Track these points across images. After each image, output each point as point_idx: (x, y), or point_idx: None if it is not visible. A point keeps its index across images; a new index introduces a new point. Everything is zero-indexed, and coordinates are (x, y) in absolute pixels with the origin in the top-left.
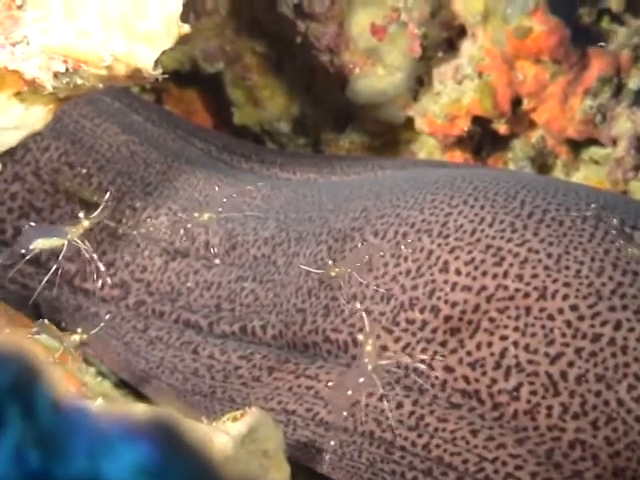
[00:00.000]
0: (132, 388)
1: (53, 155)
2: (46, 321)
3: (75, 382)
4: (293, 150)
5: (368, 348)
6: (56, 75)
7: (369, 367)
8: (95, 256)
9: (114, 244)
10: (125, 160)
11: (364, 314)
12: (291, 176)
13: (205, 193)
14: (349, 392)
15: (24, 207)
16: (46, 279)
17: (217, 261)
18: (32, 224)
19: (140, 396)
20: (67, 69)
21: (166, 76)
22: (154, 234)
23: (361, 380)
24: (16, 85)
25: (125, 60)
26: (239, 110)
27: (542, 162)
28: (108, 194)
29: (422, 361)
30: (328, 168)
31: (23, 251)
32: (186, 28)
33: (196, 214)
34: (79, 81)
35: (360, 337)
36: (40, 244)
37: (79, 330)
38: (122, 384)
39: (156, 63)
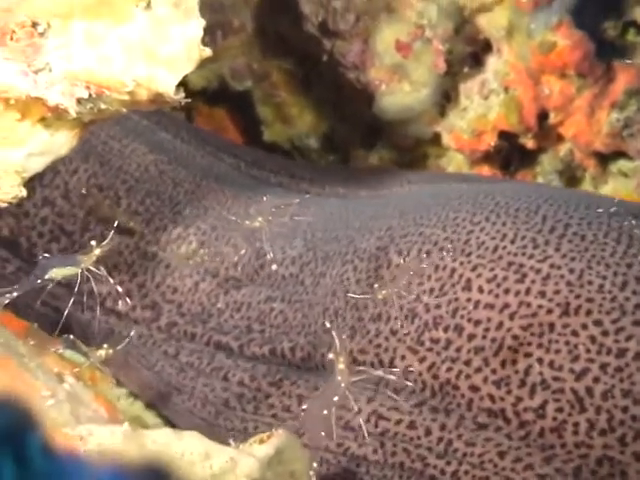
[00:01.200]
0: None
1: (82, 177)
2: (71, 336)
3: (106, 404)
4: (322, 165)
5: (340, 366)
6: (79, 101)
7: (342, 385)
8: (111, 280)
9: (144, 265)
10: (154, 180)
11: (334, 333)
12: (320, 191)
13: (234, 211)
14: (324, 412)
15: (54, 231)
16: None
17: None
18: (46, 255)
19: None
20: (90, 95)
21: (189, 100)
22: (184, 254)
23: (335, 399)
24: (40, 112)
25: (147, 85)
26: (268, 127)
27: (570, 175)
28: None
29: (395, 372)
30: (357, 183)
31: (39, 282)
32: (207, 52)
33: (247, 221)
34: (102, 106)
35: (330, 355)
36: (54, 273)
37: (105, 345)
38: (154, 406)
39: (178, 87)
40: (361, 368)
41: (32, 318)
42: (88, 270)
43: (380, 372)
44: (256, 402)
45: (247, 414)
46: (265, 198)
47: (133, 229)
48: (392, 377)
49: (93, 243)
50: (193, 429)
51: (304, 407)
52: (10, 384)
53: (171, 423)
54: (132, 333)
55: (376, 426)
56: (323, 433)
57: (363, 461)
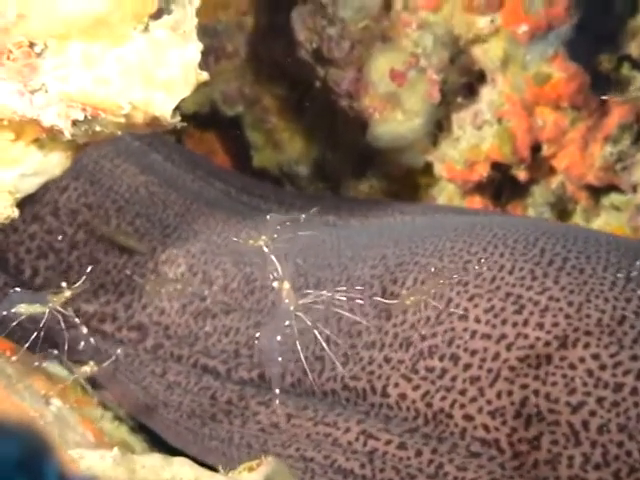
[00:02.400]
0: (149, 433)
1: (72, 195)
2: (55, 351)
3: (92, 428)
4: (312, 192)
5: (286, 287)
6: (75, 123)
7: (291, 307)
8: (79, 322)
9: (131, 286)
10: (144, 201)
11: (273, 258)
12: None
13: (224, 236)
14: (278, 337)
15: (42, 247)
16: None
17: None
18: (17, 290)
19: (158, 441)
20: (85, 117)
21: (184, 124)
22: (172, 277)
23: (287, 323)
24: (34, 132)
25: (143, 108)
26: (258, 152)
27: (562, 208)
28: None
29: (338, 298)
30: (347, 211)
31: (4, 313)
32: (204, 76)
33: (251, 241)
34: (98, 128)
35: (275, 284)
36: (22, 308)
37: (91, 363)
38: (139, 429)
39: (174, 111)
40: (308, 291)
41: (18, 334)
42: (56, 310)
43: (327, 293)
44: (243, 417)
45: (234, 426)
46: (269, 216)
47: (131, 247)
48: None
49: (64, 285)
50: (178, 438)
51: (256, 336)
52: None
53: (157, 445)
54: (118, 352)
55: (365, 445)
56: (279, 359)
57: (350, 474)
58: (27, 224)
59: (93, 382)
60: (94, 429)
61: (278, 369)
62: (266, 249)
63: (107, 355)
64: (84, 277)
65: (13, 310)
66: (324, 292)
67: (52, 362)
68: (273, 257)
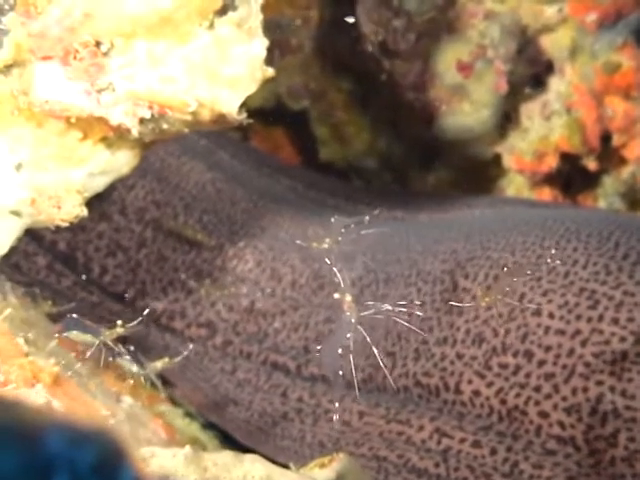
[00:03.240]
0: (221, 430)
1: (139, 193)
2: (75, 315)
3: (164, 425)
4: (379, 186)
5: (347, 299)
6: (142, 121)
7: (352, 320)
8: (128, 357)
9: (200, 282)
10: (211, 198)
11: (335, 270)
12: (377, 214)
13: (292, 232)
14: (339, 350)
15: (111, 246)
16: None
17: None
18: (75, 316)
19: (229, 438)
20: (152, 115)
21: (251, 121)
22: (240, 273)
23: (348, 335)
24: (102, 131)
25: (210, 105)
26: (324, 146)
27: (633, 198)
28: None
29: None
30: (415, 206)
31: (57, 335)
32: (270, 72)
33: (315, 243)
34: (165, 126)
35: (336, 295)
36: (73, 335)
37: (165, 359)
38: (210, 426)
39: (240, 108)
40: (369, 303)
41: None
42: (105, 344)
43: (388, 306)
44: (315, 415)
45: (306, 425)
46: (333, 219)
47: (200, 241)
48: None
49: (119, 322)
50: (249, 438)
51: (318, 348)
52: (70, 405)
53: (228, 442)
54: (189, 348)
55: (439, 443)
56: (341, 372)
57: (424, 474)
58: (95, 223)
59: (163, 380)
60: (165, 426)
61: (341, 382)
62: (327, 256)
63: (177, 352)
64: (140, 319)
65: (65, 334)
66: (385, 305)
67: (122, 359)
68: (335, 270)
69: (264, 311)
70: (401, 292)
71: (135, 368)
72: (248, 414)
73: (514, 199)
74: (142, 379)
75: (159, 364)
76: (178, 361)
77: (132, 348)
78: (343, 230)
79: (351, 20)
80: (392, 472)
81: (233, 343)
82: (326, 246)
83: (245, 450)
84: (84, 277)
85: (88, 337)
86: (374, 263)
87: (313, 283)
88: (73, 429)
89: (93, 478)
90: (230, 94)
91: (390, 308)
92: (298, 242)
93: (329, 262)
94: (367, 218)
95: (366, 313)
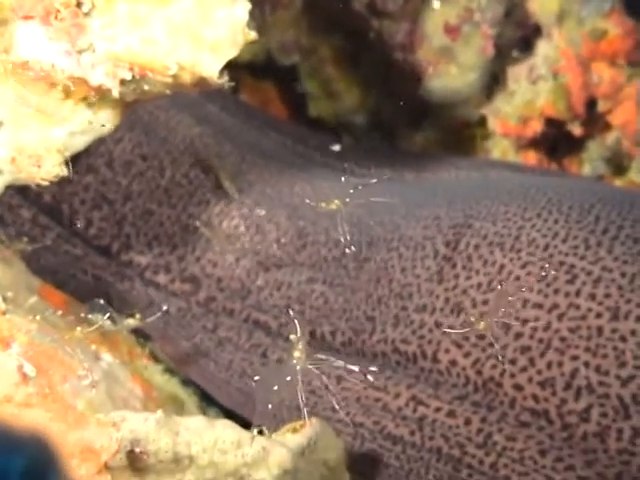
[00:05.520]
0: (199, 386)
1: (126, 147)
2: (101, 301)
3: (142, 382)
4: (368, 144)
5: (299, 348)
6: (122, 82)
7: (297, 367)
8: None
9: (185, 238)
10: (198, 152)
11: (291, 312)
12: (365, 172)
13: (278, 188)
14: (275, 387)
15: (96, 198)
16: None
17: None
18: (101, 302)
19: (207, 394)
20: (133, 76)
21: (232, 83)
22: (225, 229)
23: (287, 379)
24: (83, 91)
25: (190, 69)
26: (314, 102)
27: (617, 163)
28: None
29: (353, 369)
30: (402, 164)
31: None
32: (252, 35)
33: (323, 203)
34: (146, 87)
35: (292, 337)
36: (96, 318)
37: (137, 316)
38: (190, 382)
39: (221, 71)
40: (321, 356)
41: (72, 286)
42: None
43: (341, 363)
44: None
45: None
46: (322, 179)
47: (225, 187)
48: (354, 369)
49: (138, 316)
50: (229, 399)
51: (256, 378)
52: (45, 366)
53: (206, 399)
54: (164, 308)
55: (414, 411)
56: (270, 406)
57: (399, 441)
58: (81, 175)
59: (144, 335)
60: (143, 384)
61: (265, 412)
62: (314, 214)
63: (159, 308)
64: (158, 314)
65: (90, 316)
66: (339, 361)
67: (96, 313)
68: (291, 311)
69: (248, 267)
70: (382, 256)
71: (108, 323)
72: (228, 374)
73: (501, 162)
74: (124, 333)
75: (132, 321)
76: (157, 320)
77: (102, 302)
78: (330, 191)
79: None
80: (368, 438)
81: (216, 299)
82: (314, 204)
83: (224, 409)
84: (72, 227)
85: (108, 323)
86: (358, 225)
87: (297, 242)
88: (4, 435)
89: None
90: (211, 58)
91: (341, 364)
92: (284, 199)
93: (315, 221)
94: (355, 179)
95: (314, 364)
